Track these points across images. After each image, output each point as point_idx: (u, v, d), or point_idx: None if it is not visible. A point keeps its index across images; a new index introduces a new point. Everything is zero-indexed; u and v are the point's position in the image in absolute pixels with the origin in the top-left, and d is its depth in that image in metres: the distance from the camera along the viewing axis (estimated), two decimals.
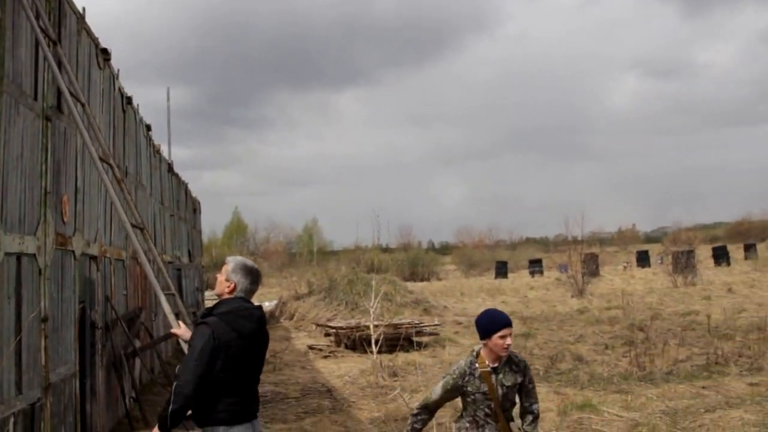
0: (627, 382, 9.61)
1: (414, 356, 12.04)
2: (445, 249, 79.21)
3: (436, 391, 4.13)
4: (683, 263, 28.16)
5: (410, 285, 26.37)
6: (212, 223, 77.79)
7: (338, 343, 14.50)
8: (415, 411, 4.24)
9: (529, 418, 4.15)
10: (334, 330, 14.93)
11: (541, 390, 9.15)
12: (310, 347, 14.41)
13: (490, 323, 4.08)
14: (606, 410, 7.90)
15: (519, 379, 4.10)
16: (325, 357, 13.41)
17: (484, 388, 4.02)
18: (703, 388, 9.03)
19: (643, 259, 46.28)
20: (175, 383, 3.48)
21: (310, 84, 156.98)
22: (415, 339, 13.76)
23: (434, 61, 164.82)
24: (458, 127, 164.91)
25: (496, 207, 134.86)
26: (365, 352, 11.61)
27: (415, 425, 4.20)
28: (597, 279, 30.51)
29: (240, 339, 3.61)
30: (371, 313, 12.29)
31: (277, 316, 22.40)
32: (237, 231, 69.85)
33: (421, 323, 14.85)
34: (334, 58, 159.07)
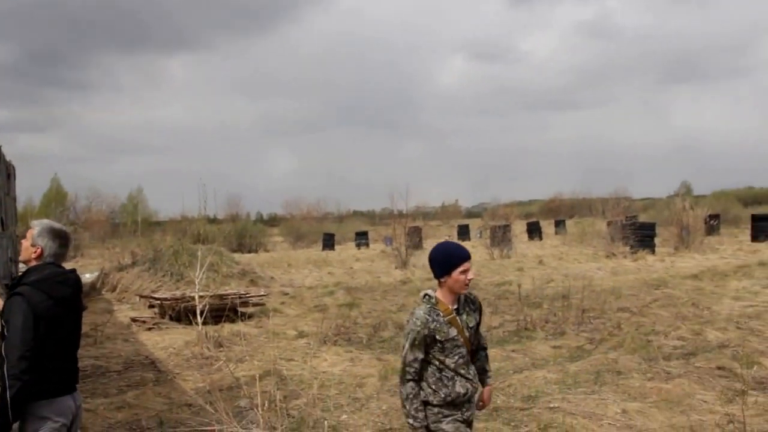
0: None
1: (240, 326, 12.07)
2: (273, 220, 78.73)
3: (409, 356, 3.63)
4: (500, 237, 29.61)
5: (237, 256, 26.17)
6: (29, 190, 73.25)
7: (163, 315, 14.24)
8: (403, 382, 3.67)
9: (483, 354, 3.92)
10: (158, 301, 14.64)
11: (364, 357, 9.53)
12: (133, 320, 14.07)
13: (450, 257, 3.71)
14: None
15: (477, 319, 3.84)
16: (149, 329, 13.15)
17: (453, 333, 3.66)
18: (513, 351, 9.72)
19: (463, 233, 48.14)
20: (5, 367, 3.28)
21: (139, 47, 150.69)
22: (241, 310, 13.77)
23: (269, 31, 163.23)
24: (290, 98, 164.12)
25: (325, 180, 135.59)
26: (190, 323, 11.51)
27: (414, 402, 3.64)
28: (420, 251, 31.43)
29: (57, 306, 3.50)
30: (197, 284, 12.18)
31: (98, 288, 21.57)
32: (56, 199, 66.07)
33: (247, 294, 14.86)
34: (165, 21, 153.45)
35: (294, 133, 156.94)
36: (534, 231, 44.10)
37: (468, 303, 3.79)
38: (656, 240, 27.68)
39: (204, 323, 11.18)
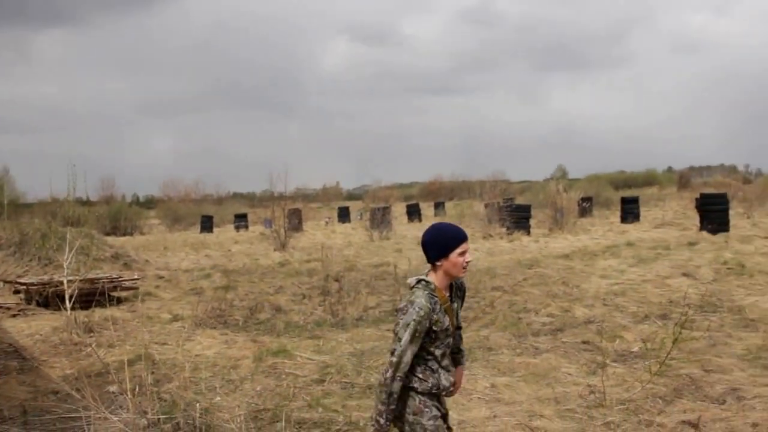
0: (320, 329, 10.21)
1: (111, 311, 11.74)
2: (149, 203, 76.68)
3: (407, 350, 3.30)
4: (379, 219, 29.88)
5: (111, 239, 25.38)
6: None
7: (29, 301, 13.65)
8: (395, 379, 3.33)
9: (458, 333, 3.74)
10: (24, 286, 14.03)
11: (239, 339, 9.47)
12: None
13: (448, 238, 3.46)
14: (299, 354, 8.37)
15: (461, 304, 3.62)
16: (14, 316, 12.59)
17: (447, 322, 3.43)
18: (388, 330, 9.86)
19: (344, 215, 48.33)
20: None
21: (8, 20, 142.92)
22: (113, 294, 13.40)
23: (149, 8, 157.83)
24: (170, 78, 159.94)
25: (204, 161, 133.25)
26: (59, 309, 11.11)
27: (393, 404, 3.37)
28: (300, 234, 31.43)
29: None
30: (65, 268, 11.75)
31: None
32: None
33: (119, 278, 14.45)
34: None
35: (173, 113, 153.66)
36: (414, 213, 44.71)
37: (458, 288, 3.58)
38: (531, 221, 28.53)
39: (73, 308, 10.80)
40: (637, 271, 14.99)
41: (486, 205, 29.71)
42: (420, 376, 3.44)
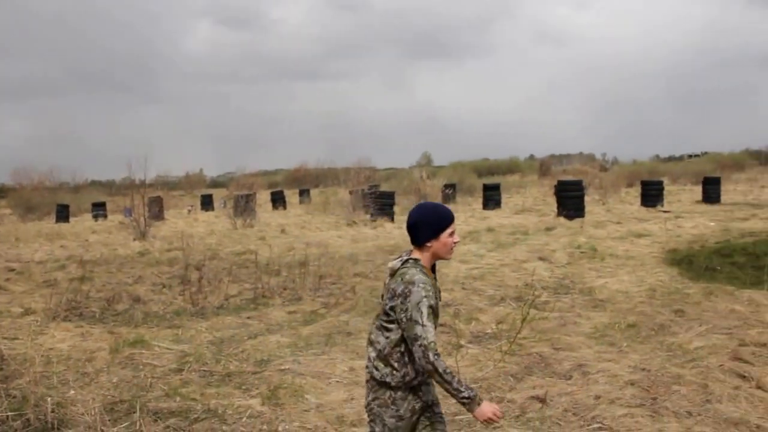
0: (180, 318, 10.11)
1: None
2: None
3: (430, 328, 3.13)
4: (243, 206, 29.60)
5: None
6: None
7: None
8: (437, 357, 3.12)
9: None
10: None
11: (95, 331, 9.25)
12: None
13: (441, 218, 3.34)
14: (157, 344, 8.27)
15: None
16: None
17: (438, 304, 3.31)
18: (248, 318, 9.91)
19: (207, 203, 47.56)
20: None
21: None
22: None
23: None
24: (19, 61, 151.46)
25: (59, 148, 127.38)
26: None
27: (456, 375, 3.19)
28: (161, 222, 30.76)
29: None
30: None
31: None
32: None
33: None
34: None
35: (23, 98, 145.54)
36: (278, 200, 44.50)
37: (435, 272, 3.44)
38: (395, 208, 28.97)
39: None
40: (496, 255, 15.60)
41: (351, 192, 29.97)
42: (395, 365, 3.30)
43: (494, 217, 28.04)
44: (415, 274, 3.21)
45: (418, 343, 3.12)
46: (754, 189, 43.29)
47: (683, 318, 9.04)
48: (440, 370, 3.12)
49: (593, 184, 36.95)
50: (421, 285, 3.16)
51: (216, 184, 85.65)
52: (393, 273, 3.34)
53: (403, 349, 3.28)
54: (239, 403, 6.21)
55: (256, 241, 20.93)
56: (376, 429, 3.40)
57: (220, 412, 6.01)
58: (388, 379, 3.31)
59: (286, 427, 5.66)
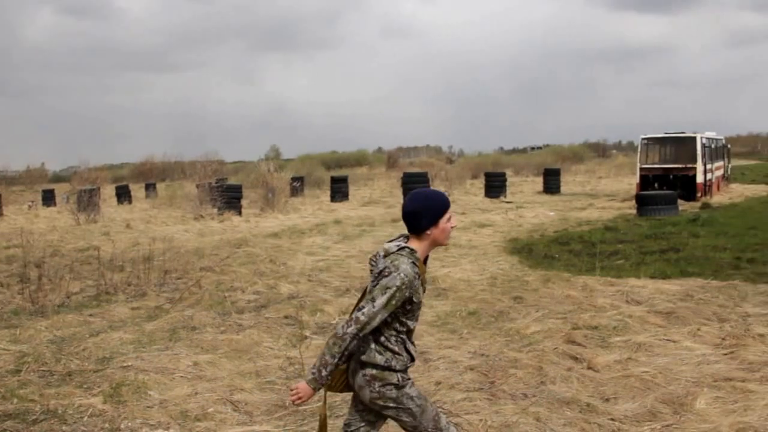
0: (18, 318, 9.76)
1: None
2: None
3: (378, 314, 3.12)
4: (86, 201, 28.59)
5: None
6: None
7: None
8: (356, 337, 3.15)
9: None
10: None
11: None
12: None
13: (440, 205, 3.28)
14: None
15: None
16: None
17: (421, 293, 3.27)
18: (91, 315, 9.70)
19: (48, 198, 45.45)
20: None
21: None
22: None
23: None
24: None
25: None
26: None
27: (341, 362, 3.22)
28: (0, 219, 29.30)
29: None
30: None
31: None
32: None
33: None
34: None
35: None
36: (123, 195, 43.11)
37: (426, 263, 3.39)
38: (243, 201, 28.79)
39: None
40: (342, 247, 15.93)
41: (198, 186, 29.58)
42: (395, 349, 3.29)
43: (341, 209, 28.44)
44: (403, 263, 3.19)
45: (359, 314, 3.16)
46: (592, 180, 46.19)
47: (522, 304, 9.60)
48: (344, 345, 3.16)
49: (439, 176, 38.00)
50: (401, 275, 3.15)
51: (59, 178, 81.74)
52: (386, 255, 3.31)
53: (394, 333, 3.30)
54: (80, 402, 6.13)
55: (99, 237, 20.33)
56: (403, 418, 3.38)
57: (60, 412, 5.94)
58: (393, 363, 3.30)
59: (129, 424, 5.67)
